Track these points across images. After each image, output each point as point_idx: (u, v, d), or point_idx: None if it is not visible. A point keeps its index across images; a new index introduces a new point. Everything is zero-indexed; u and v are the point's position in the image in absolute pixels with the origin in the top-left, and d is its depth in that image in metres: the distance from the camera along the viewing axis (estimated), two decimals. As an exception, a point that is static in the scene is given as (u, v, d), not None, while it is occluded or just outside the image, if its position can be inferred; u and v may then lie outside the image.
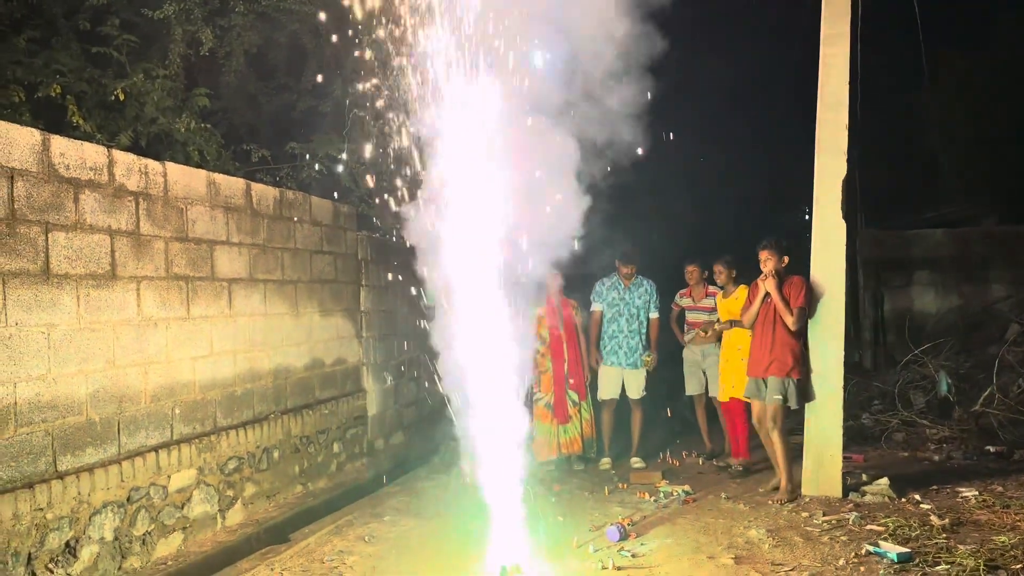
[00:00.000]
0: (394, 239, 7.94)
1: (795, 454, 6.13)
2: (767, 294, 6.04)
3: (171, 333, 5.02)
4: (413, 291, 8.42)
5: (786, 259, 6.11)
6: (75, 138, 5.36)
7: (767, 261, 6.07)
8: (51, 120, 5.94)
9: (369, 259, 7.59)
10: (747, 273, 6.85)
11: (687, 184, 12.37)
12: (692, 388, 7.63)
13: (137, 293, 4.75)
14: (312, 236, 6.69)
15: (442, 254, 6.60)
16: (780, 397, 5.93)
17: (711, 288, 7.52)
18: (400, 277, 8.04)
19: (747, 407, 6.92)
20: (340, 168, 7.49)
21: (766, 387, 6.04)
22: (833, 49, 5.66)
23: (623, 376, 7.49)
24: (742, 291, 6.75)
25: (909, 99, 12.28)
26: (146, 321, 4.81)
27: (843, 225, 5.70)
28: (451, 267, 6.47)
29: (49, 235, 4.17)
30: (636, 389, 7.49)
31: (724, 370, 7.03)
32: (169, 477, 4.89)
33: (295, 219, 6.44)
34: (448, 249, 6.36)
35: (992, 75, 13.13)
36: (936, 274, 11.62)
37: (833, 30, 5.69)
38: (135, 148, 6.05)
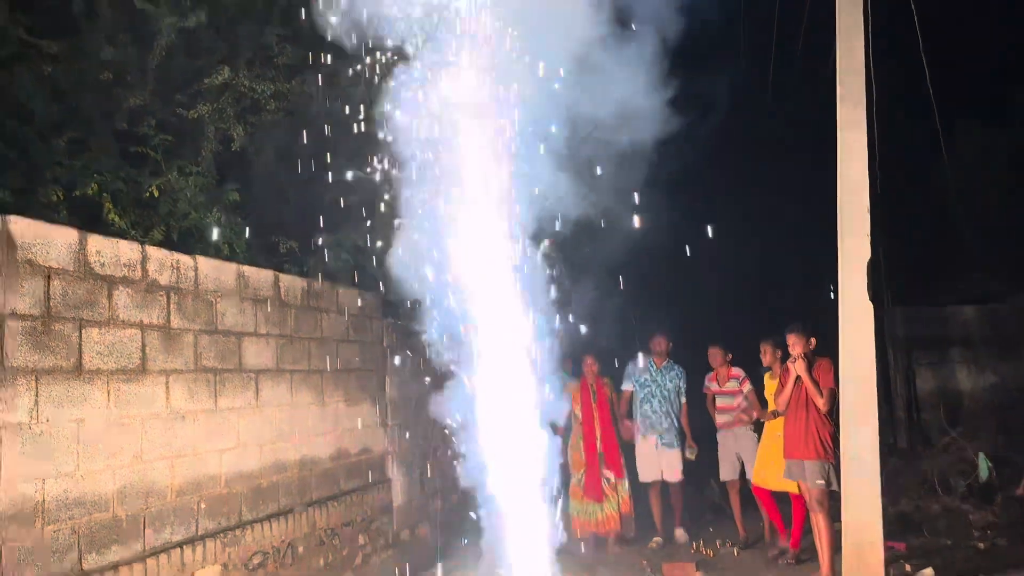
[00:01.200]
0: (419, 327, 7.98)
1: (837, 543, 5.95)
2: (798, 377, 6.07)
3: (198, 426, 5.02)
4: (437, 378, 8.43)
5: (813, 341, 6.16)
6: (110, 234, 5.51)
7: (795, 345, 6.15)
8: (87, 217, 6.11)
9: (394, 346, 7.62)
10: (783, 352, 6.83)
11: (712, 261, 12.40)
12: (727, 473, 7.51)
13: (166, 387, 4.78)
14: (338, 325, 6.74)
15: (465, 338, 6.70)
16: (823, 481, 5.90)
17: (734, 370, 7.53)
18: (425, 364, 8.05)
19: (781, 495, 6.79)
20: (365, 256, 7.60)
21: (805, 470, 6.02)
22: (851, 134, 5.73)
23: (659, 457, 7.50)
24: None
25: (928, 172, 12.34)
26: (174, 414, 4.82)
27: (871, 308, 5.66)
28: (475, 351, 6.55)
29: (83, 331, 4.24)
30: (673, 471, 7.51)
31: (762, 456, 6.91)
32: (193, 574, 4.82)
33: (322, 309, 6.52)
34: (472, 332, 6.44)
35: (1011, 148, 13.19)
36: (969, 352, 11.43)
37: (850, 116, 5.77)
38: (167, 242, 6.19)
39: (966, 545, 6.94)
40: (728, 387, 7.53)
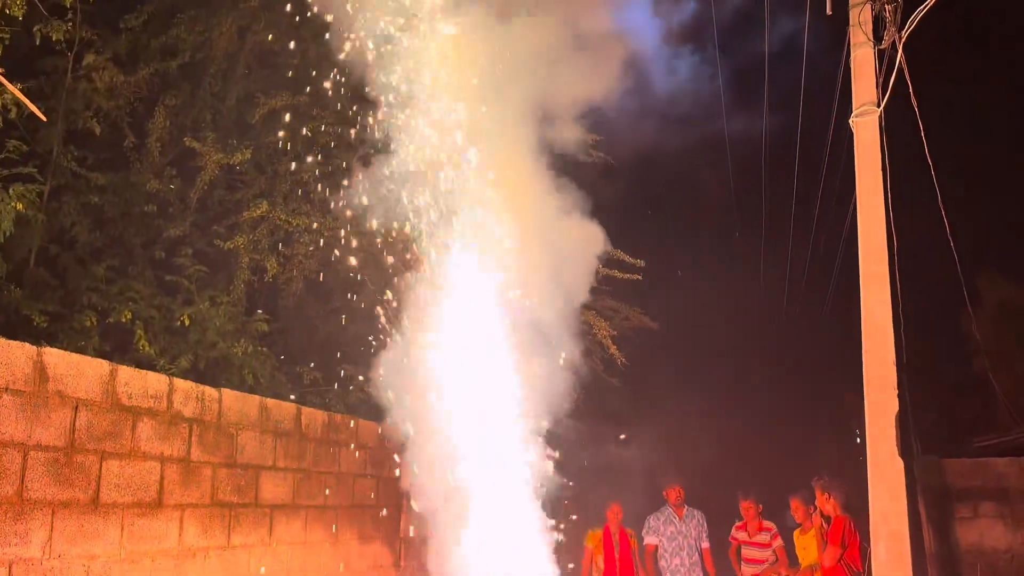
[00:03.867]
0: (439, 463, 7.88)
1: None
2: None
3: (209, 563, 4.90)
4: (457, 516, 8.23)
5: (831, 499, 6.04)
6: (138, 361, 5.59)
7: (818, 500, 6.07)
8: (118, 343, 6.22)
9: (413, 484, 7.48)
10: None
11: (731, 408, 12.30)
12: None
13: (180, 522, 4.71)
14: (356, 459, 6.67)
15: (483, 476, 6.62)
16: None
17: (765, 523, 7.33)
18: (446, 502, 7.90)
19: None
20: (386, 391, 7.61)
21: None
22: (874, 288, 5.77)
23: None
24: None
25: (954, 324, 12.31)
26: (186, 551, 4.72)
27: (900, 463, 5.52)
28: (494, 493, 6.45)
29: (103, 464, 4.23)
30: None
31: None
32: None
33: (341, 443, 6.47)
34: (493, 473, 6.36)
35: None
36: (1004, 506, 10.99)
37: (872, 269, 5.83)
38: (194, 370, 6.25)
39: None
40: (758, 539, 7.31)
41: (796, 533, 6.98)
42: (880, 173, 5.82)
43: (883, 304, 5.66)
